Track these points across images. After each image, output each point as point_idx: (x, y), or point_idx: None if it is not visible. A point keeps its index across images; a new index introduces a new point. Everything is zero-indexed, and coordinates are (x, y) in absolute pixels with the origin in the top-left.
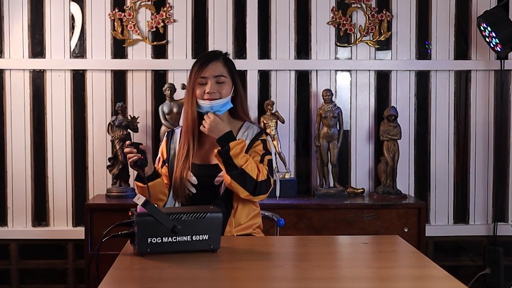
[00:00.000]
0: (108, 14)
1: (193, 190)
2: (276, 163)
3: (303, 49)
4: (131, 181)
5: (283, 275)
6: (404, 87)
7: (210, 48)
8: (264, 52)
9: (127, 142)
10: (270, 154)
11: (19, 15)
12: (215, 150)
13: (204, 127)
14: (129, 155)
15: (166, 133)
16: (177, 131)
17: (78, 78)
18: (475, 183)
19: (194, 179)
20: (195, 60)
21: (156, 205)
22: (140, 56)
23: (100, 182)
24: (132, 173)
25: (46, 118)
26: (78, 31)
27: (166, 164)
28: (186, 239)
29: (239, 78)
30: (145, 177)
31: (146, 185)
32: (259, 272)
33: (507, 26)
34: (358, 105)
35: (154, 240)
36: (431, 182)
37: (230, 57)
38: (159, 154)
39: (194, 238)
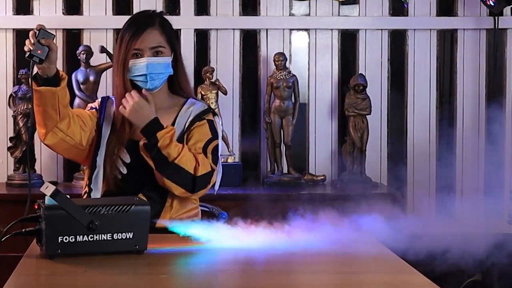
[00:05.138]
0: None
1: (124, 170)
2: None
3: (249, 3)
4: (38, 166)
5: (225, 282)
6: (375, 50)
7: (135, 2)
8: (202, 6)
9: (38, 26)
10: (217, 138)
11: None
12: (141, 143)
13: (125, 108)
14: (28, 40)
15: (101, 98)
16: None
17: None
18: (462, 169)
19: (127, 157)
20: (126, 23)
21: (61, 192)
22: (48, 11)
23: None
24: (39, 154)
25: None
26: None
27: (96, 110)
28: (105, 238)
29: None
30: (37, 74)
31: (30, 78)
32: (195, 279)
33: None
34: (318, 73)
35: (66, 239)
36: (408, 167)
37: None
38: (89, 106)
39: (115, 236)
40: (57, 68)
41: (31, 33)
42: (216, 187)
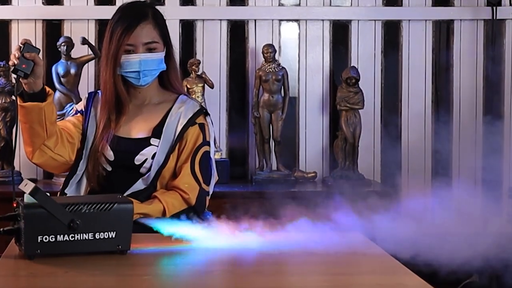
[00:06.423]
0: None
1: (108, 168)
2: None
3: None
4: (17, 162)
5: (211, 283)
6: (368, 42)
7: None
8: None
9: (22, 40)
10: (209, 144)
11: None
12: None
13: None
14: (12, 55)
15: (88, 94)
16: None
17: None
18: (459, 166)
19: (110, 154)
20: (116, 15)
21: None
22: (28, 1)
23: None
24: (18, 150)
25: None
26: None
27: (81, 114)
28: (87, 238)
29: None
30: (22, 89)
31: (15, 94)
32: (180, 280)
33: None
34: (308, 65)
35: (46, 238)
36: (403, 164)
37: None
38: (75, 109)
39: (97, 236)
40: (43, 84)
41: (15, 47)
42: (211, 190)
